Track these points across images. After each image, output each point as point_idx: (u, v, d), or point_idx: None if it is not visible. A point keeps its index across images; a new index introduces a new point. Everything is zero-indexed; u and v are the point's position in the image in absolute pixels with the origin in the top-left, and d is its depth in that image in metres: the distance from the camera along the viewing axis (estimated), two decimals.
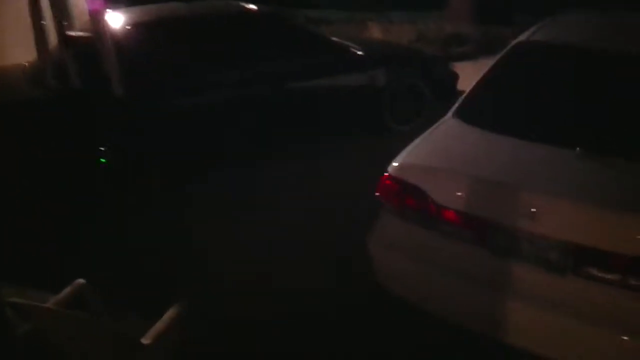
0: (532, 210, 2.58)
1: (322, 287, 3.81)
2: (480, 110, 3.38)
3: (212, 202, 5.08)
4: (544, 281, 2.62)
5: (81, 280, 2.74)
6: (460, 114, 3.36)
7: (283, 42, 5.82)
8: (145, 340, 2.37)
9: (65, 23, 1.87)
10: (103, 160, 4.96)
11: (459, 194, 2.85)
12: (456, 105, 3.44)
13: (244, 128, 5.63)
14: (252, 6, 5.89)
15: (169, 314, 2.54)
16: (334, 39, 6.42)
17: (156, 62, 5.17)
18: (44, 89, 4.64)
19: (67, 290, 2.69)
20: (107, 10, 1.94)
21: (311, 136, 6.16)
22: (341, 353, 3.29)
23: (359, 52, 6.25)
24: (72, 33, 1.94)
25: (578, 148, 2.79)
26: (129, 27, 5.19)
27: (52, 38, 2.02)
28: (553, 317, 2.57)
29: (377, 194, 3.17)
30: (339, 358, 3.28)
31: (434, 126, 3.36)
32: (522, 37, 3.63)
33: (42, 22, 1.87)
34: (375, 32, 11.09)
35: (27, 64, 5.58)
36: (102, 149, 4.95)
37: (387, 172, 3.13)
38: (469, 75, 5.61)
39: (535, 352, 2.65)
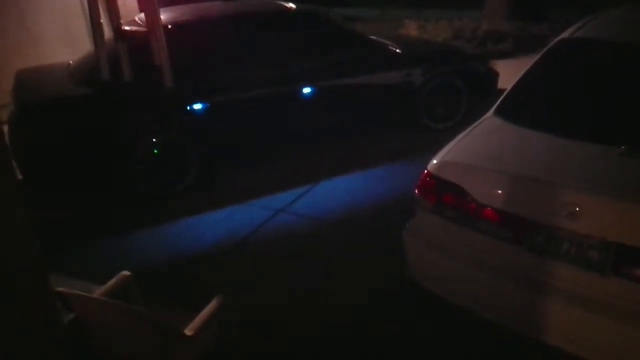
0: (574, 208, 2.55)
1: None
2: (521, 108, 3.35)
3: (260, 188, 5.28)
4: (583, 280, 2.58)
5: (126, 272, 2.80)
6: (501, 112, 3.33)
7: (321, 39, 5.85)
8: (187, 332, 2.42)
9: (122, 21, 1.93)
10: (155, 151, 5.09)
11: (499, 192, 2.83)
12: (497, 103, 3.41)
13: (278, 122, 5.71)
14: (291, 4, 5.92)
15: (211, 305, 2.58)
16: (371, 37, 6.42)
17: (200, 58, 5.28)
18: (96, 84, 4.78)
19: (112, 281, 2.76)
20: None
21: (346, 133, 6.21)
22: None
23: (396, 50, 6.23)
24: (127, 28, 1.99)
25: (623, 146, 2.74)
26: (173, 25, 5.29)
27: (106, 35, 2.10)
28: (591, 317, 2.54)
29: (415, 191, 3.17)
30: None
31: (475, 124, 3.33)
32: (565, 34, 3.57)
33: (101, 20, 1.93)
34: (411, 30, 11.03)
35: (71, 62, 5.75)
36: (154, 140, 5.08)
37: (426, 169, 3.13)
38: (507, 73, 5.58)
39: (572, 352, 2.62)
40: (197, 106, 5.23)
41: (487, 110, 3.43)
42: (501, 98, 3.44)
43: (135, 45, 2.12)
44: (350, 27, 7.04)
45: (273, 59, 5.54)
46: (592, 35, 3.48)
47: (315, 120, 5.87)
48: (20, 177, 4.61)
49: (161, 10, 5.39)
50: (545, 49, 3.54)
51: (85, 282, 2.95)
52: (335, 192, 5.19)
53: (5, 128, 4.82)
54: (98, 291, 2.66)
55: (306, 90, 5.65)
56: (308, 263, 4.11)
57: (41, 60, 6.76)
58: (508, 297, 2.80)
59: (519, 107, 3.36)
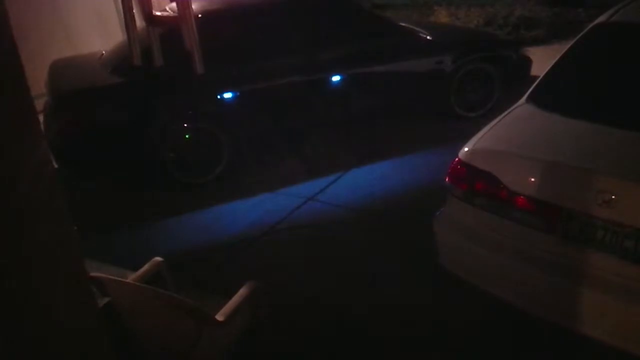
0: (609, 196, 2.50)
1: None
2: (555, 95, 3.28)
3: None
4: (618, 269, 2.53)
5: (158, 258, 2.84)
6: (535, 99, 3.27)
7: (351, 27, 5.81)
8: (219, 317, 2.44)
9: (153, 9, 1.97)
10: (187, 136, 5.15)
11: (532, 179, 2.79)
12: (530, 90, 3.35)
13: (309, 110, 5.71)
14: None
15: (242, 291, 2.61)
16: (402, 23, 6.36)
17: (230, 46, 5.30)
18: (128, 72, 4.85)
19: (145, 267, 2.81)
20: None
21: (376, 121, 6.19)
22: None
23: (427, 37, 6.17)
24: (158, 13, 2.02)
25: None
26: (203, 14, 5.32)
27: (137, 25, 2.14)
28: (626, 306, 2.50)
29: (446, 179, 3.14)
30: None
31: (507, 111, 3.27)
32: (601, 18, 3.48)
33: (133, 8, 1.96)
34: (442, 16, 10.89)
35: (103, 52, 5.83)
36: (186, 125, 5.14)
37: (457, 157, 3.09)
38: (541, 59, 5.47)
39: (607, 342, 2.58)
40: (228, 94, 5.26)
41: (519, 97, 3.37)
42: (534, 84, 3.38)
43: (167, 32, 2.15)
44: (380, 14, 6.98)
45: (302, 46, 5.54)
46: (629, 20, 3.39)
47: (344, 108, 5.85)
48: (55, 165, 4.71)
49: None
50: (580, 34, 3.46)
51: (119, 267, 3.01)
52: (365, 180, 5.18)
53: (41, 117, 4.92)
54: (131, 277, 2.71)
55: (336, 78, 5.63)
56: (337, 251, 4.11)
57: (74, 50, 6.87)
58: (541, 286, 2.77)
59: (552, 94, 3.29)
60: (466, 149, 3.08)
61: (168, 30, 2.13)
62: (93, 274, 2.40)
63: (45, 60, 5.85)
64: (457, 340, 3.19)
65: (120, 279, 2.50)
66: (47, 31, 7.87)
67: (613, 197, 2.48)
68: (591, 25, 3.48)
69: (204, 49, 2.14)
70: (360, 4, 6.45)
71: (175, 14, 2.04)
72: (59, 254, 1.65)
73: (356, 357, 3.17)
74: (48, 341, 1.64)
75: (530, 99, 3.30)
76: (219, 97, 5.24)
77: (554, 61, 3.40)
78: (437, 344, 3.17)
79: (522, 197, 2.80)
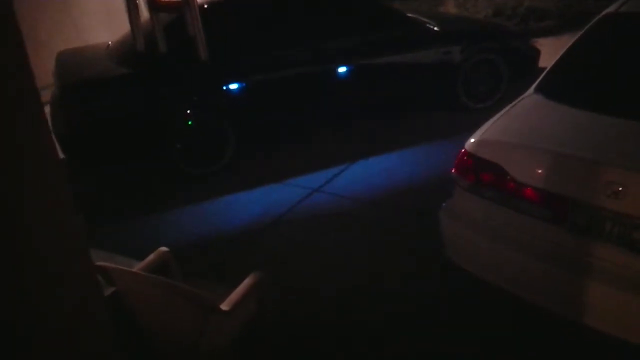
0: (617, 188, 2.48)
1: None
2: (564, 86, 3.26)
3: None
4: (627, 261, 2.51)
5: (164, 248, 2.85)
6: (543, 89, 3.24)
7: (358, 17, 5.79)
8: (224, 307, 2.45)
9: None
10: (190, 123, 5.15)
11: (539, 170, 2.77)
12: (538, 80, 3.33)
13: (316, 101, 5.69)
14: None
15: (247, 281, 2.61)
16: (409, 14, 6.33)
17: (237, 37, 5.30)
18: (134, 63, 4.85)
19: (151, 257, 2.82)
20: None
21: (383, 113, 6.17)
22: None
23: (434, 28, 6.13)
24: None
25: None
26: (210, 4, 5.31)
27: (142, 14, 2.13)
28: (634, 299, 2.47)
29: (453, 170, 3.13)
30: None
31: (514, 102, 3.26)
32: (610, 9, 3.45)
33: (137, 0, 1.97)
34: (450, 7, 10.81)
35: (110, 43, 5.83)
36: (189, 112, 5.14)
37: (464, 148, 3.08)
38: (550, 51, 5.43)
39: (615, 335, 2.56)
40: (234, 85, 5.26)
41: (527, 89, 3.35)
42: (543, 75, 3.35)
43: (171, 20, 2.16)
44: (387, 4, 6.94)
45: (309, 37, 5.52)
46: (638, 10, 3.36)
47: (351, 99, 5.85)
48: (62, 156, 4.72)
49: None
50: (588, 25, 3.43)
51: (125, 257, 3.02)
52: (372, 171, 5.18)
53: (47, 109, 4.93)
54: (137, 266, 2.72)
55: (343, 69, 5.62)
56: (341, 243, 4.11)
57: (82, 41, 6.87)
58: (548, 278, 2.75)
59: (561, 84, 3.27)
60: (472, 140, 3.06)
61: (172, 19, 2.13)
62: (99, 263, 2.41)
63: (52, 51, 5.87)
64: (461, 339, 3.17)
65: (126, 268, 2.51)
66: (55, 22, 7.89)
67: (621, 188, 2.47)
68: (600, 15, 3.45)
69: (210, 39, 2.13)
70: None
71: (180, 0, 2.04)
72: (64, 244, 1.66)
73: (357, 354, 3.17)
74: (54, 333, 1.64)
75: (538, 90, 3.28)
76: (224, 87, 5.24)
77: (560, 53, 3.37)
78: (440, 343, 3.16)
79: (529, 188, 2.78)
